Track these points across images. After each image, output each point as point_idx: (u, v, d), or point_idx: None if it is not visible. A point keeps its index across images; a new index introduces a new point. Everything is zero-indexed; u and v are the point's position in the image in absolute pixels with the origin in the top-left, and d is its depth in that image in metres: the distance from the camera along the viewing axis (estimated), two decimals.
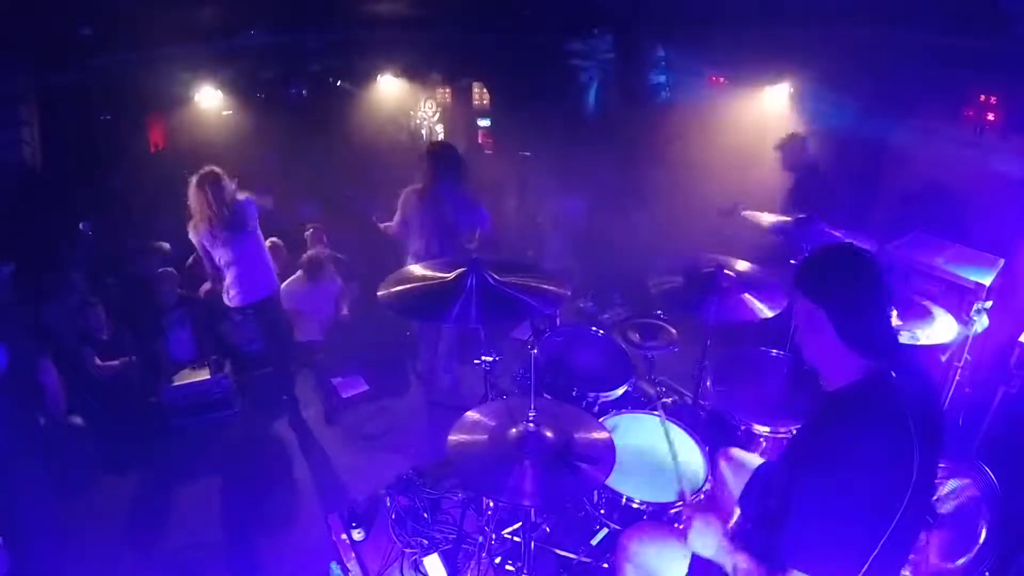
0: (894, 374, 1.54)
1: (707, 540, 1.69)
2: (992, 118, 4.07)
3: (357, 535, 3.07)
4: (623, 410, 2.88)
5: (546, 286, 2.55)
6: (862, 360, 1.56)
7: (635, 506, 2.40)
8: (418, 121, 8.16)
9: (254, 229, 4.14)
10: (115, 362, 4.44)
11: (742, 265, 3.05)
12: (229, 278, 4.10)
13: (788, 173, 4.79)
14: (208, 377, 4.59)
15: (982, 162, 4.17)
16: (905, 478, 1.44)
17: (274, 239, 5.22)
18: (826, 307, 1.56)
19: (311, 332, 5.09)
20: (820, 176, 4.69)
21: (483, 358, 2.71)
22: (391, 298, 2.51)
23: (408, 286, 2.58)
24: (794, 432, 2.65)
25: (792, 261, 3.11)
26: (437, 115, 8.23)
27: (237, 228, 3.99)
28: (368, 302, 5.16)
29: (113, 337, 4.52)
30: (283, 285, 5.13)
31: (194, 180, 3.91)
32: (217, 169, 3.95)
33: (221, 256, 4.06)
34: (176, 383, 4.56)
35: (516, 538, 2.74)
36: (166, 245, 5.28)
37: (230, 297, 4.14)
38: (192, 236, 4.03)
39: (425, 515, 3.06)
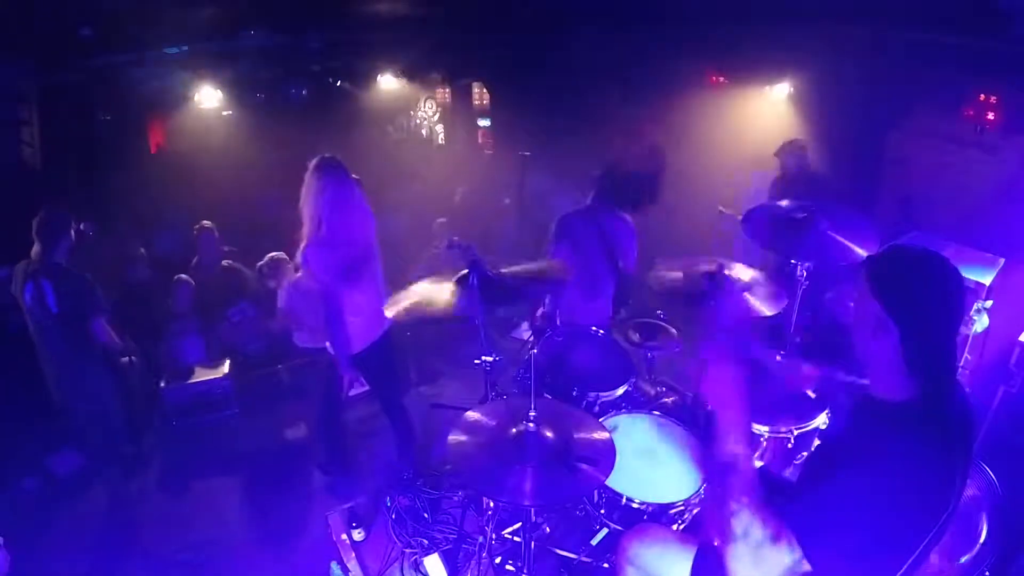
0: (946, 398, 1.48)
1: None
2: (992, 118, 4.07)
3: (357, 535, 3.07)
4: (623, 410, 2.88)
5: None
6: (915, 382, 1.46)
7: (635, 506, 2.40)
8: (418, 121, 8.18)
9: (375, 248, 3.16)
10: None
11: (740, 269, 3.05)
12: (346, 319, 3.02)
13: (784, 180, 4.73)
14: (211, 377, 4.60)
15: (982, 162, 4.17)
16: (944, 501, 1.42)
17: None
18: (902, 325, 1.43)
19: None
20: (818, 184, 4.56)
21: (483, 358, 2.72)
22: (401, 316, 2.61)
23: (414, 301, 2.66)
24: (794, 432, 2.65)
25: (792, 261, 3.11)
26: (437, 115, 8.25)
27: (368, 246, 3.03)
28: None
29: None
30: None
31: (312, 166, 2.88)
32: (336, 158, 2.95)
33: (336, 289, 2.93)
34: (191, 381, 4.56)
35: (516, 538, 2.74)
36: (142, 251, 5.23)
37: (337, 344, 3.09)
38: (298, 259, 2.94)
39: (425, 515, 3.06)
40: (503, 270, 2.70)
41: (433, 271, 3.17)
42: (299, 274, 3.96)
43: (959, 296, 1.45)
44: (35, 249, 3.49)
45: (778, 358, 3.06)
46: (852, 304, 1.58)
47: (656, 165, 3.49)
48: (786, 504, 1.49)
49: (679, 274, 3.02)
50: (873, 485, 1.38)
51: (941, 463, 1.41)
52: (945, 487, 1.43)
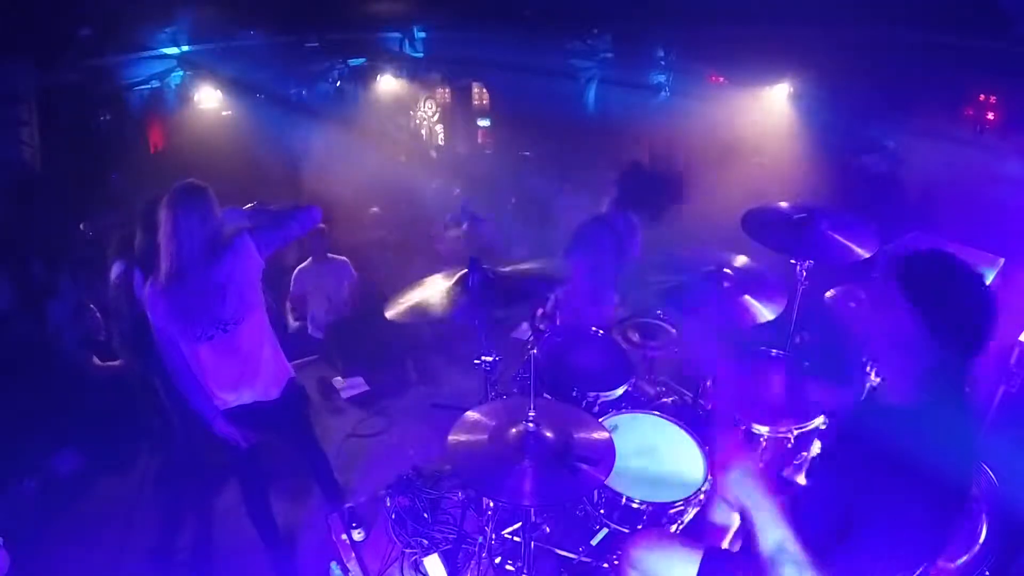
0: (965, 393, 1.50)
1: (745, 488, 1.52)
2: (992, 118, 4.08)
3: (357, 535, 3.07)
4: (623, 410, 2.88)
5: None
6: (944, 379, 1.46)
7: (635, 506, 2.39)
8: (418, 121, 8.18)
9: (256, 304, 2.70)
10: (115, 363, 4.43)
11: (741, 260, 3.05)
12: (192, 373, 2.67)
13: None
14: None
15: (982, 162, 4.17)
16: (963, 495, 1.45)
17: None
18: (949, 346, 1.41)
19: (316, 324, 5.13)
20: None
21: (483, 358, 2.72)
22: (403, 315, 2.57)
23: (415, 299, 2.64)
24: (794, 432, 2.65)
25: (792, 261, 3.10)
26: (437, 115, 8.25)
27: (221, 299, 2.53)
28: (373, 303, 5.17)
29: (111, 338, 4.51)
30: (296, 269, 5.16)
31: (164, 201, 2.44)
32: (197, 182, 2.49)
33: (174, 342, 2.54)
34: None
35: (516, 538, 2.74)
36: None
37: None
38: (144, 292, 2.57)
39: (425, 515, 3.06)
40: (503, 269, 2.71)
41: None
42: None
43: (995, 307, 1.43)
44: (137, 239, 3.20)
45: (774, 351, 3.07)
46: (872, 314, 1.53)
47: (677, 165, 3.52)
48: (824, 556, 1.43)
49: (679, 273, 3.02)
50: (908, 492, 1.35)
51: (961, 459, 1.43)
52: (965, 479, 1.44)
